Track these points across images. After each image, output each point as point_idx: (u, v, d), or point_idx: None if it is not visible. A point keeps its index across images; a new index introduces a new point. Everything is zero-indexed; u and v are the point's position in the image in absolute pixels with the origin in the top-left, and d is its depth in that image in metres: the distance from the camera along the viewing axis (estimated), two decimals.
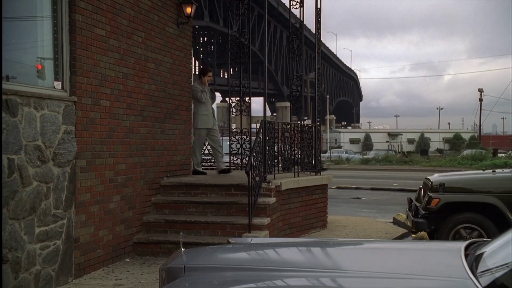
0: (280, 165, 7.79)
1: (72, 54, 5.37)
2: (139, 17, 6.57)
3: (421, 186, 7.12)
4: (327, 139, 48.35)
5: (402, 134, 53.27)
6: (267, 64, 63.54)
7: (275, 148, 7.59)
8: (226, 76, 58.91)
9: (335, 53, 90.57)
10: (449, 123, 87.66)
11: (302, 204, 7.89)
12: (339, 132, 56.95)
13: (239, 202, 6.74)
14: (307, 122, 40.07)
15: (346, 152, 39.46)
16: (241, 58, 9.61)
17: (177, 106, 7.56)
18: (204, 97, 8.08)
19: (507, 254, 2.49)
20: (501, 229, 5.91)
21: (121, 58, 6.18)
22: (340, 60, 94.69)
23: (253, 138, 7.86)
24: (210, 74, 8.40)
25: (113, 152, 6.04)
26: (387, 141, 49.31)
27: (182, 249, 3.11)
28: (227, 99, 9.72)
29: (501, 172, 6.71)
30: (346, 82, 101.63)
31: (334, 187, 16.21)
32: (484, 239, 3.11)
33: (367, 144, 49.15)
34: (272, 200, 6.84)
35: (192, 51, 8.12)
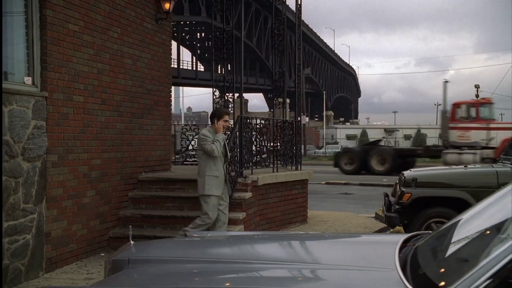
0: (257, 160, 7.83)
1: (43, 50, 5.39)
2: (115, 12, 6.59)
3: (397, 181, 7.16)
4: (323, 135, 48.36)
5: (398, 130, 53.32)
6: (265, 59, 63.35)
7: (254, 144, 7.63)
8: (222, 72, 58.97)
9: (333, 49, 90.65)
10: None
11: (280, 199, 7.93)
12: (336, 128, 56.97)
13: None
14: (303, 118, 40.06)
15: (341, 149, 39.41)
16: (225, 52, 9.65)
17: (156, 102, 7.59)
18: (217, 149, 5.70)
19: (434, 247, 2.54)
20: None
21: (96, 54, 6.20)
22: (339, 56, 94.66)
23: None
24: (227, 117, 6.02)
25: (87, 147, 6.07)
26: (383, 137, 49.26)
27: (131, 242, 3.15)
28: (216, 94, 9.67)
29: (472, 167, 6.75)
30: (345, 78, 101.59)
31: (324, 182, 16.27)
32: (427, 232, 3.15)
33: (363, 140, 49.13)
34: (248, 195, 6.89)
35: (171, 47, 8.13)
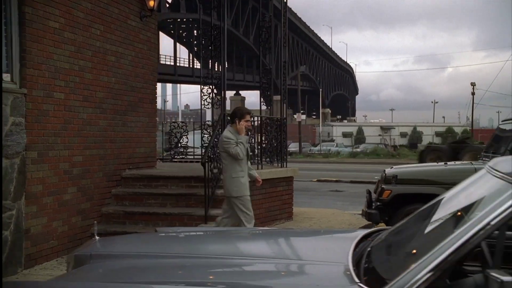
0: None
1: (22, 47, 5.41)
2: (97, 10, 6.60)
3: (380, 179, 7.20)
4: (319, 133, 48.42)
5: (394, 128, 53.46)
6: (262, 57, 63.41)
7: None
8: (218, 70, 58.99)
9: (331, 46, 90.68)
10: (443, 117, 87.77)
11: (265, 196, 7.96)
12: (332, 126, 57.04)
13: (198, 193, 6.81)
14: (297, 115, 40.10)
15: (337, 146, 39.55)
16: (213, 49, 9.65)
17: (140, 99, 7.61)
18: (242, 151, 5.63)
19: (388, 242, 2.58)
20: None
21: (77, 51, 6.22)
22: (336, 54, 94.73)
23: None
24: (248, 117, 5.86)
25: (68, 144, 6.09)
26: (379, 135, 49.44)
27: (97, 237, 3.18)
28: (204, 90, 9.61)
29: (452, 165, 6.79)
30: (342, 75, 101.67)
31: (315, 180, 16.31)
32: (387, 227, 3.19)
33: (359, 137, 49.28)
34: None
35: (158, 44, 8.15)
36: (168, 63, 51.83)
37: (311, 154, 35.58)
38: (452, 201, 2.66)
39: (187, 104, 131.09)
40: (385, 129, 53.80)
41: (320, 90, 66.89)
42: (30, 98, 5.47)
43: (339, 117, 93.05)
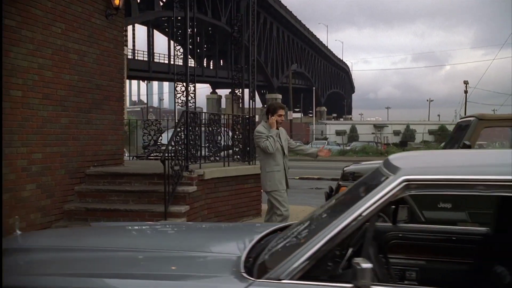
0: (208, 155, 7.92)
1: None
2: (58, 8, 6.64)
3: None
4: (313, 131, 48.52)
5: (387, 126, 53.57)
6: (257, 55, 63.15)
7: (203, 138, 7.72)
8: (212, 68, 59.05)
9: (327, 45, 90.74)
10: (438, 115, 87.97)
11: (231, 193, 8.02)
12: (325, 124, 57.14)
13: (160, 190, 6.85)
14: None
15: (328, 144, 39.64)
16: (190, 44, 9.68)
17: (106, 97, 7.66)
18: (271, 146, 5.70)
19: (285, 236, 2.64)
20: (406, 217, 6.10)
21: (36, 49, 6.26)
22: (332, 52, 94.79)
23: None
24: (281, 112, 5.92)
25: (27, 142, 6.14)
26: (373, 133, 49.56)
27: (18, 232, 3.24)
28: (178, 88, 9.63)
29: None
30: (338, 74, 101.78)
31: (297, 177, 16.36)
32: (295, 223, 3.26)
33: (353, 135, 49.36)
34: (192, 188, 6.97)
35: (124, 42, 8.19)
36: (162, 61, 51.79)
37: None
38: (345, 195, 2.73)
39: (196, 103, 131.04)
40: (378, 127, 53.92)
41: (314, 88, 66.98)
42: None
43: (334, 115, 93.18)
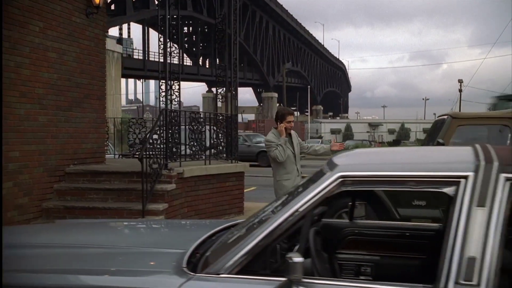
0: (189, 153, 7.94)
1: None
2: (36, 6, 6.66)
3: None
4: (308, 129, 48.59)
5: (382, 125, 53.69)
6: (253, 54, 63.18)
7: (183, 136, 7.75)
8: (208, 66, 59.03)
9: (323, 43, 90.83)
10: (434, 114, 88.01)
11: (212, 191, 8.05)
12: (320, 122, 57.22)
13: (139, 188, 6.86)
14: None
15: (322, 142, 39.71)
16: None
17: (87, 95, 7.68)
18: (280, 155, 5.50)
19: (232, 233, 2.68)
20: (379, 213, 6.14)
21: (13, 47, 6.27)
22: (328, 51, 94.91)
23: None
24: (290, 118, 5.70)
25: (3, 140, 6.15)
26: (367, 132, 49.67)
27: None
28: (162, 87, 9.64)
29: None
30: (334, 72, 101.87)
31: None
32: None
33: (347, 134, 49.45)
34: (171, 186, 6.99)
35: (105, 41, 8.21)
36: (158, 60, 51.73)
37: None
38: (291, 192, 2.76)
39: (181, 101, 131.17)
40: (373, 126, 54.05)
41: (309, 87, 67.00)
42: None
43: (331, 114, 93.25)
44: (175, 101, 9.86)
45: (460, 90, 49.66)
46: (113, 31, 51.81)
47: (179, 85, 9.72)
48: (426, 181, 2.21)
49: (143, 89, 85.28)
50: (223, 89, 9.57)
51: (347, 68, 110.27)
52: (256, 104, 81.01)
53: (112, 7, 43.16)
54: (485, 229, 2.01)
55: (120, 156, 11.56)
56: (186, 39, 61.96)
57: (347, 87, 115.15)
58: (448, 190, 2.14)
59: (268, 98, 73.88)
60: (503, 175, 2.08)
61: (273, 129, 5.77)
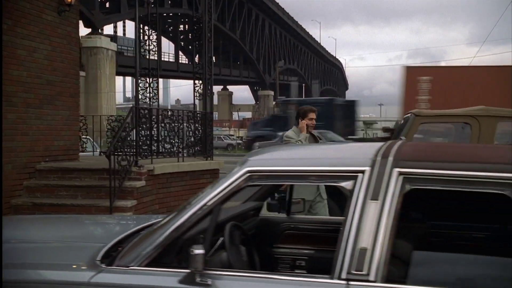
0: (162, 151, 7.98)
1: None
2: (5, 4, 6.67)
3: None
4: None
5: (377, 123, 53.61)
6: (249, 52, 62.96)
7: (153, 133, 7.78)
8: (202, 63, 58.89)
9: (320, 41, 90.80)
10: None
11: (185, 188, 8.09)
12: None
13: (108, 185, 6.92)
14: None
15: None
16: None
17: (59, 93, 7.71)
18: None
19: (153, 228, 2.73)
20: (341, 207, 6.21)
21: None
22: (325, 49, 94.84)
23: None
24: (312, 115, 5.56)
25: None
26: (362, 130, 49.62)
27: None
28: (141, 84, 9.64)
29: None
30: (331, 70, 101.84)
31: None
32: None
33: None
34: (140, 183, 7.04)
35: (78, 38, 8.24)
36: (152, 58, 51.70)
37: None
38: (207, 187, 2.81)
39: (178, 99, 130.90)
40: (368, 124, 53.99)
41: (303, 85, 67.00)
42: None
43: None
44: (153, 98, 9.92)
45: None
46: (108, 29, 51.72)
47: (157, 82, 9.77)
48: (326, 175, 2.27)
49: (137, 87, 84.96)
50: (203, 86, 9.58)
51: (345, 66, 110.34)
52: (253, 102, 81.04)
53: (107, 4, 43.27)
54: (377, 221, 2.07)
55: (101, 153, 11.58)
56: (182, 36, 61.87)
57: (344, 85, 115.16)
58: (347, 184, 2.19)
59: (265, 96, 73.87)
60: (396, 170, 2.14)
61: (294, 127, 5.71)
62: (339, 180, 2.22)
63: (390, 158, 2.17)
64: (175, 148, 8.08)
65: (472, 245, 2.82)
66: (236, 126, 64.97)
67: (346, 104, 31.93)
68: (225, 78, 64.83)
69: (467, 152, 2.38)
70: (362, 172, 2.17)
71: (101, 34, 41.48)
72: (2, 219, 3.47)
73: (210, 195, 2.34)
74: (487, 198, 2.21)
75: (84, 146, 9.72)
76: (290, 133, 5.61)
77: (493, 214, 2.48)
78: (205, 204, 2.34)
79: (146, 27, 8.44)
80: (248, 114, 76.52)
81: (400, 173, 2.12)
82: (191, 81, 9.29)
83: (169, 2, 47.22)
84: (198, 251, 2.14)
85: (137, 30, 7.66)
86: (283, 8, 70.20)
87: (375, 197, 2.11)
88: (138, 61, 7.55)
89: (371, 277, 1.99)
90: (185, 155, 8.30)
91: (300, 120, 5.60)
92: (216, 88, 71.20)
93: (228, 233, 2.56)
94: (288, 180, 2.46)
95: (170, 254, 2.36)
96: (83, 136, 9.86)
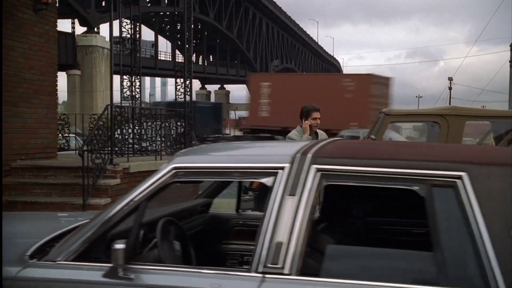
0: (139, 149, 8.00)
1: None
2: None
3: None
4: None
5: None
6: (246, 51, 62.94)
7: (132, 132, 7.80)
8: (201, 63, 58.99)
9: (317, 41, 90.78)
10: None
11: None
12: None
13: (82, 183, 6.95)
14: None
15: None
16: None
17: (36, 91, 7.73)
18: None
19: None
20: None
21: None
22: (322, 48, 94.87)
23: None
24: (316, 115, 5.28)
25: None
26: (358, 129, 49.74)
27: None
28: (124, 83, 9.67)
29: None
30: (329, 70, 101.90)
31: None
32: None
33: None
34: (115, 181, 7.06)
35: (56, 37, 8.25)
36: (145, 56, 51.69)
37: None
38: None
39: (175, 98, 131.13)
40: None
41: None
42: None
43: None
44: (136, 97, 9.94)
45: (450, 88, 49.79)
46: (104, 28, 51.63)
47: (140, 80, 9.79)
48: (249, 172, 2.29)
49: (134, 85, 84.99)
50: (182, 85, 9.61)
51: (343, 65, 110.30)
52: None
53: (103, 3, 43.23)
54: (293, 216, 2.09)
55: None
56: (178, 35, 61.75)
57: None
58: (267, 180, 2.22)
59: None
60: (314, 166, 2.16)
61: (298, 127, 5.40)
62: (261, 176, 2.24)
63: (309, 155, 2.19)
64: (153, 147, 8.10)
65: (400, 239, 2.86)
66: (231, 125, 65.00)
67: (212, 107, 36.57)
68: (222, 77, 64.83)
69: (386, 149, 2.41)
70: (282, 168, 2.19)
71: (96, 33, 41.41)
72: None
73: (137, 191, 2.36)
74: (414, 194, 2.23)
75: (67, 144, 9.75)
76: (292, 134, 5.33)
77: (415, 210, 2.50)
78: (131, 200, 2.37)
79: (131, 26, 8.51)
80: (246, 113, 76.51)
81: (318, 170, 2.14)
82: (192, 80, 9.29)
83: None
84: (119, 245, 2.16)
85: (120, 29, 7.69)
86: (280, 7, 70.22)
87: (292, 193, 2.13)
88: (112, 58, 7.58)
89: (286, 270, 2.02)
90: (163, 153, 8.31)
91: (303, 120, 5.25)
92: (213, 87, 71.18)
93: (160, 229, 2.57)
94: (213, 176, 2.49)
95: (98, 249, 2.38)
96: (66, 135, 9.89)
